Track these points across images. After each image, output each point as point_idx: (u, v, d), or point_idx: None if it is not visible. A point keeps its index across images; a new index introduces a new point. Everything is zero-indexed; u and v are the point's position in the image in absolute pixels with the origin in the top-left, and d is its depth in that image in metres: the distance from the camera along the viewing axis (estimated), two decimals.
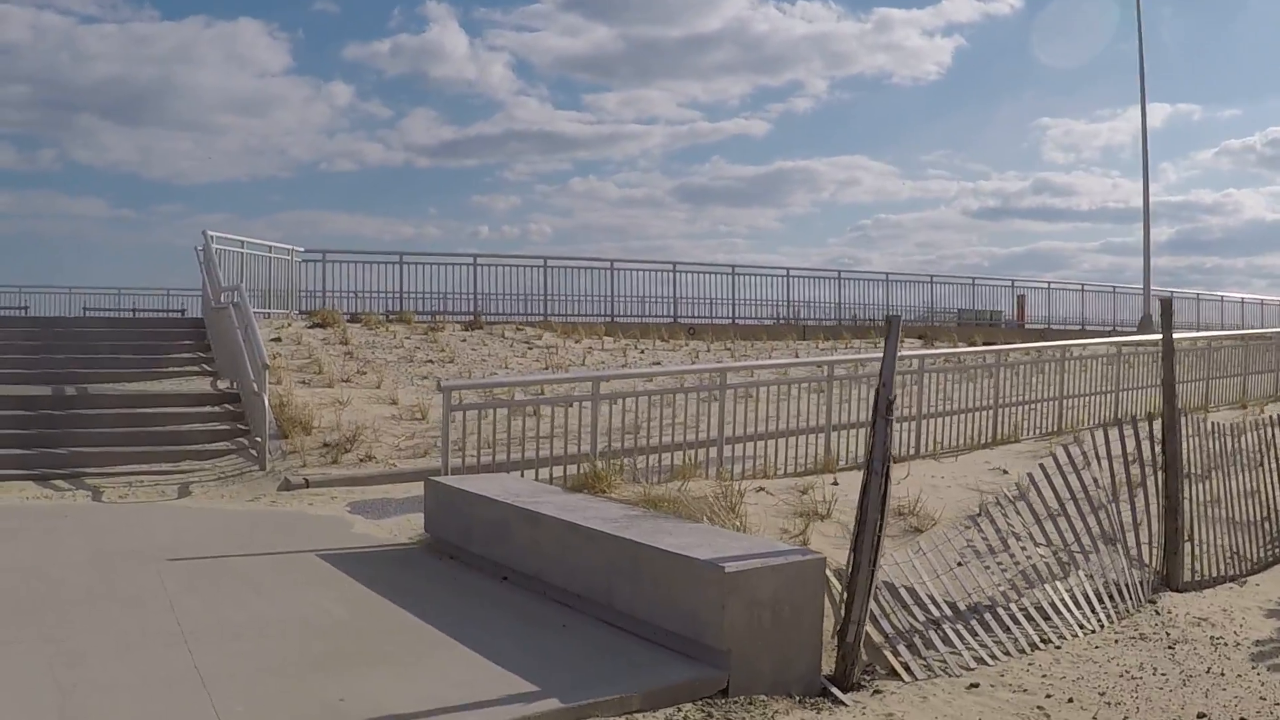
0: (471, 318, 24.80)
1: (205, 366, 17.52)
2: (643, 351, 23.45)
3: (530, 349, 21.92)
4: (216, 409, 15.33)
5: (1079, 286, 37.88)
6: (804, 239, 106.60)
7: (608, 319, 27.32)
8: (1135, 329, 37.13)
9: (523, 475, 11.44)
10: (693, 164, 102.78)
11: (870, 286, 32.60)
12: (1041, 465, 10.15)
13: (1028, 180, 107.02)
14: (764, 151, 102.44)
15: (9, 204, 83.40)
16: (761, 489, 11.51)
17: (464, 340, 21.83)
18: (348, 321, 21.89)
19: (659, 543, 7.52)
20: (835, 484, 12.10)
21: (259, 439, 13.75)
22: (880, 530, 7.30)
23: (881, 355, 7.48)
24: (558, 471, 11.80)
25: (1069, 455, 10.08)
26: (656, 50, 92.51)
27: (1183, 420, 10.63)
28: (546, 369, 20.32)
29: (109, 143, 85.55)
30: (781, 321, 30.69)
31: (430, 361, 19.59)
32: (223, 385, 16.37)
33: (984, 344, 29.62)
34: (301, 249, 23.49)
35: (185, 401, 15.41)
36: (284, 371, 16.87)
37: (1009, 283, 36.42)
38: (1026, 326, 34.96)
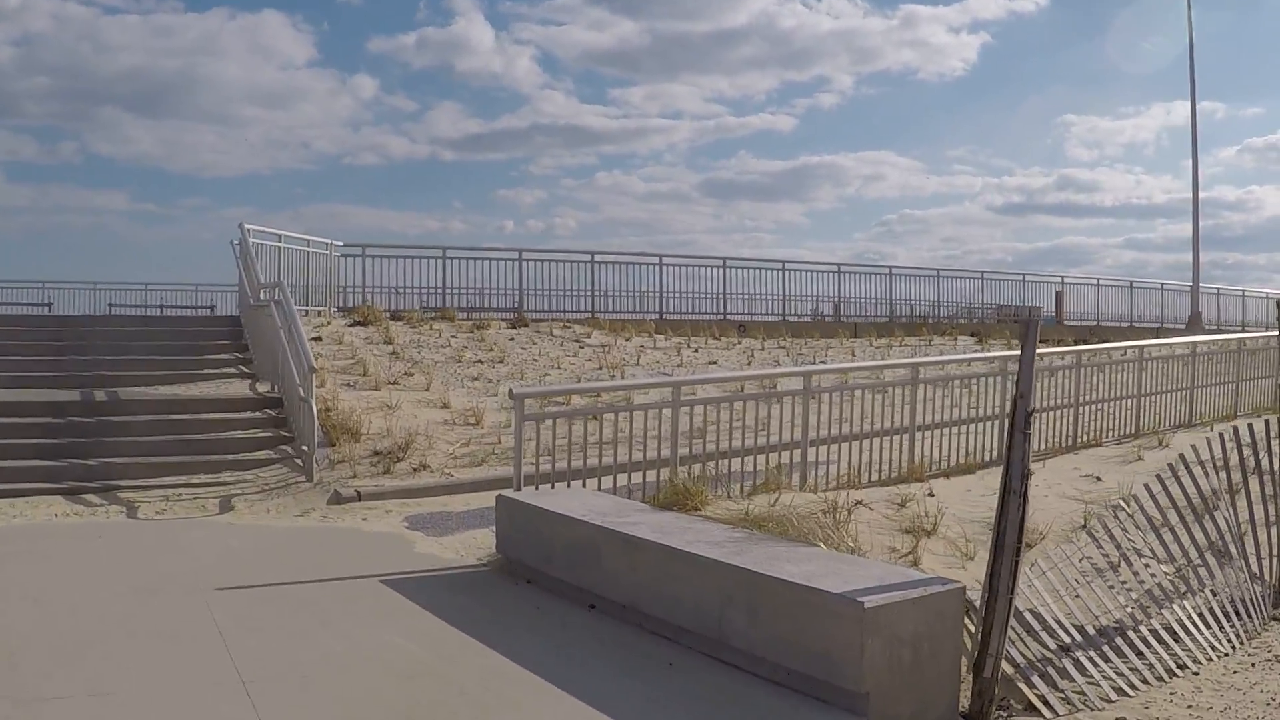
0: (515, 314, 23.88)
1: (243, 368, 16.63)
2: (696, 350, 22.50)
3: (581, 347, 20.99)
4: (257, 414, 14.42)
5: (1127, 283, 36.63)
6: (829, 234, 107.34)
7: (656, 316, 26.44)
8: (1184, 327, 36.17)
9: (599, 487, 10.44)
10: (719, 159, 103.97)
11: (916, 282, 31.58)
12: (1159, 476, 9.16)
13: (1051, 176, 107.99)
14: (790, 147, 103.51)
15: (30, 197, 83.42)
16: (859, 502, 10.52)
17: (511, 339, 20.92)
18: (389, 319, 20.97)
19: (779, 572, 6.72)
20: (931, 495, 11.15)
21: (305, 448, 12.85)
22: (1019, 554, 6.44)
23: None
24: (635, 478, 10.79)
25: (1184, 462, 9.12)
26: (682, 44, 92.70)
27: None
28: (600, 369, 19.38)
29: (131, 135, 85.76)
30: (831, 319, 29.66)
31: (479, 361, 18.67)
32: (263, 389, 15.48)
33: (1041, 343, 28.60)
34: (340, 243, 22.59)
35: (224, 407, 14.50)
36: (327, 373, 15.97)
37: (1059, 279, 35.10)
38: (1065, 323, 33.72)
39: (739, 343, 24.02)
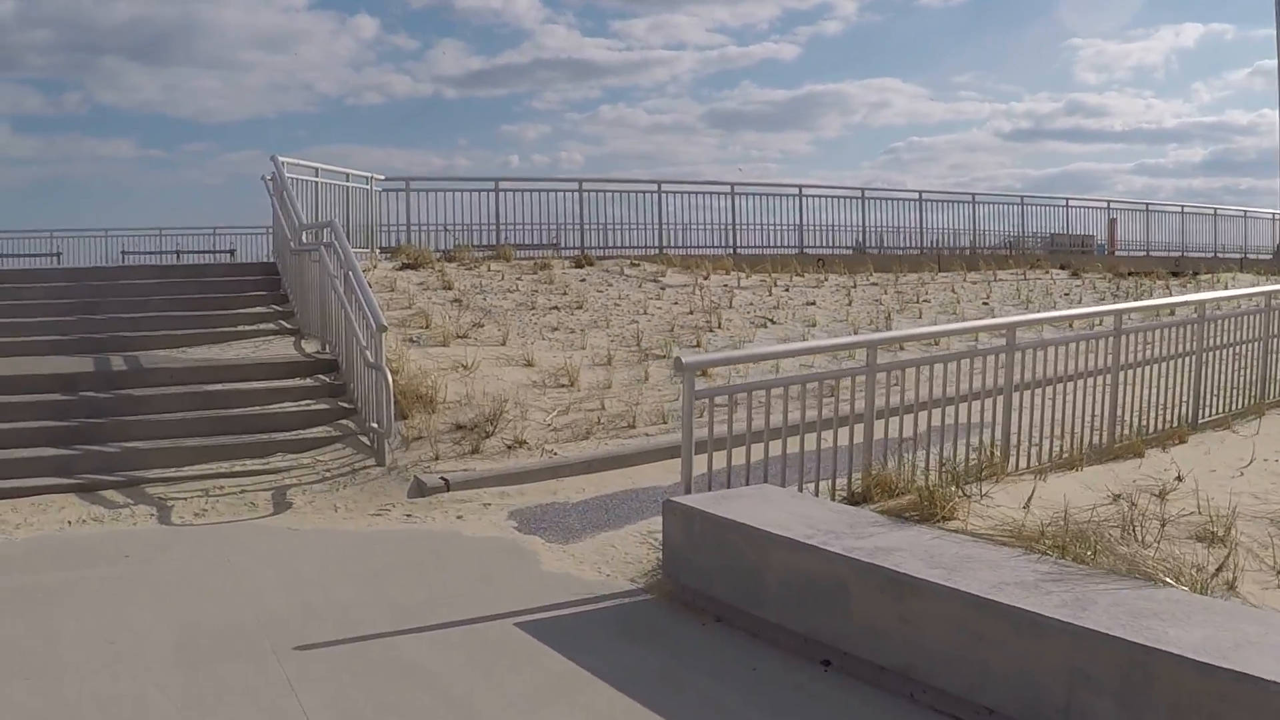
0: (579, 252, 21.34)
1: (284, 323, 14.18)
2: (786, 289, 19.89)
3: (662, 289, 18.48)
4: (309, 381, 11.98)
5: (1177, 209, 33.63)
6: (837, 162, 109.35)
7: (729, 250, 23.85)
8: (1271, 256, 33.51)
9: (784, 482, 7.98)
10: (723, 89, 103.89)
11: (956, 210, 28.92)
12: None
13: (1060, 102, 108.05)
14: (794, 75, 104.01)
15: (36, 149, 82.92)
16: (1119, 496, 8.03)
17: (583, 280, 18.38)
18: (441, 261, 18.40)
19: (1165, 641, 4.51)
20: (1179, 478, 8.68)
21: (375, 425, 10.39)
22: None
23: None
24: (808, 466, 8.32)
25: None
26: None
27: None
28: (691, 313, 16.84)
29: (134, 83, 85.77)
30: (915, 251, 27.04)
31: (555, 308, 16.17)
32: (310, 348, 13.03)
33: (1113, 274, 26.31)
34: (382, 176, 20.00)
35: (267, 373, 12.04)
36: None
37: (1104, 204, 32.13)
38: (1118, 254, 30.87)
39: (825, 279, 21.40)
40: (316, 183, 17.11)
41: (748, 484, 7.87)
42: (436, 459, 10.43)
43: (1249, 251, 34.61)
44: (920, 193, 27.68)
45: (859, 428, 8.51)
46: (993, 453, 9.03)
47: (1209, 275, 28.33)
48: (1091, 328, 11.04)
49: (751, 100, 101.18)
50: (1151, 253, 31.65)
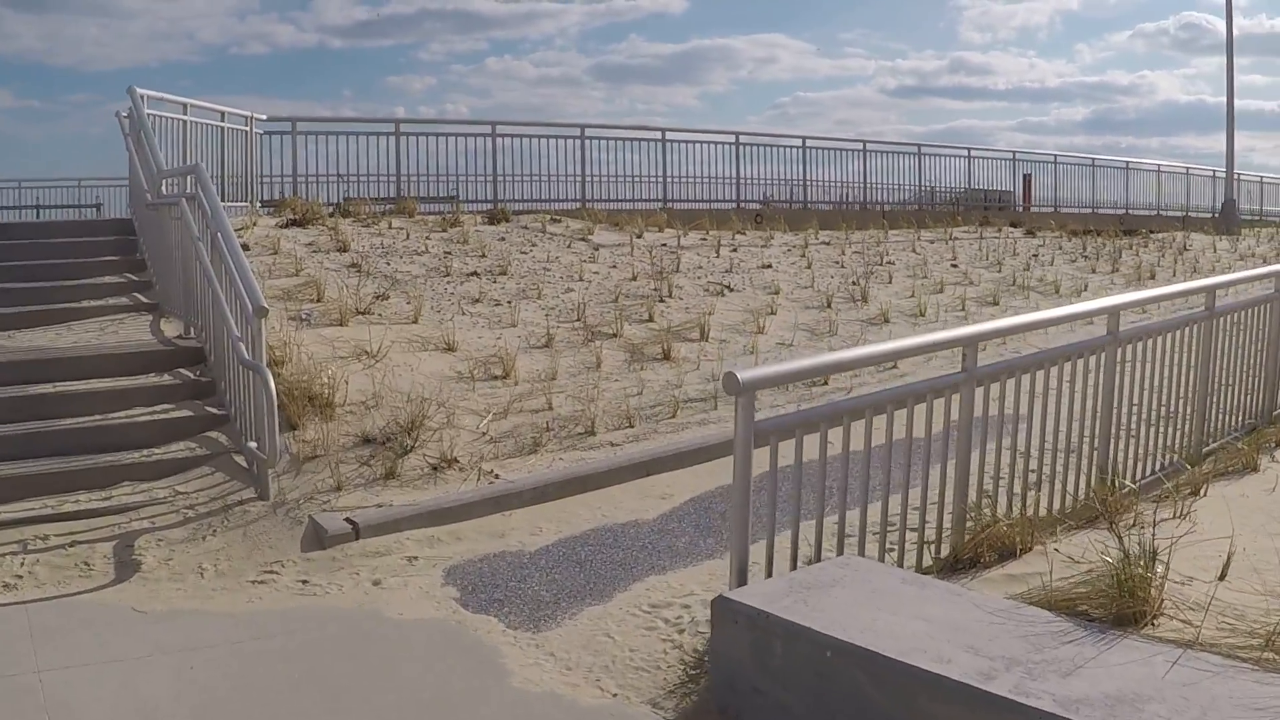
0: (492, 206, 18.65)
1: (139, 297, 11.39)
2: (734, 249, 17.43)
3: (594, 250, 15.86)
4: (166, 378, 9.24)
5: (1089, 162, 31.64)
6: (723, 117, 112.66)
7: (660, 204, 21.28)
8: (1214, 214, 31.92)
9: (861, 546, 5.52)
10: (610, 42, 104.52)
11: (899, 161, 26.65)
12: None
13: (945, 59, 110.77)
14: (682, 29, 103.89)
15: None
16: None
17: (501, 239, 15.69)
18: (334, 216, 15.61)
19: None
20: None
21: (254, 444, 7.71)
22: None
23: None
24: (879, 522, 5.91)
25: None
26: None
27: None
28: (633, 279, 14.29)
29: (12, 30, 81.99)
30: (858, 206, 24.74)
31: (474, 274, 13.52)
32: (170, 331, 10.28)
33: (1073, 232, 24.41)
34: (264, 117, 17.08)
35: (113, 367, 9.25)
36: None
37: (1009, 155, 29.98)
38: (1033, 209, 28.85)
39: (771, 238, 18.97)
40: (184, 121, 14.22)
41: (817, 555, 5.38)
42: (339, 488, 7.82)
43: (1190, 210, 33.07)
44: (864, 143, 25.37)
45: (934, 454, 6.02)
46: (1109, 484, 6.68)
47: (1163, 234, 26.54)
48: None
49: (639, 54, 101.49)
50: (1098, 210, 29.72)
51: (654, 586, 6.57)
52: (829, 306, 14.45)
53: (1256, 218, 34.46)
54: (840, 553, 5.53)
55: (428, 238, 15.04)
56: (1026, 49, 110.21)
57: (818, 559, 5.45)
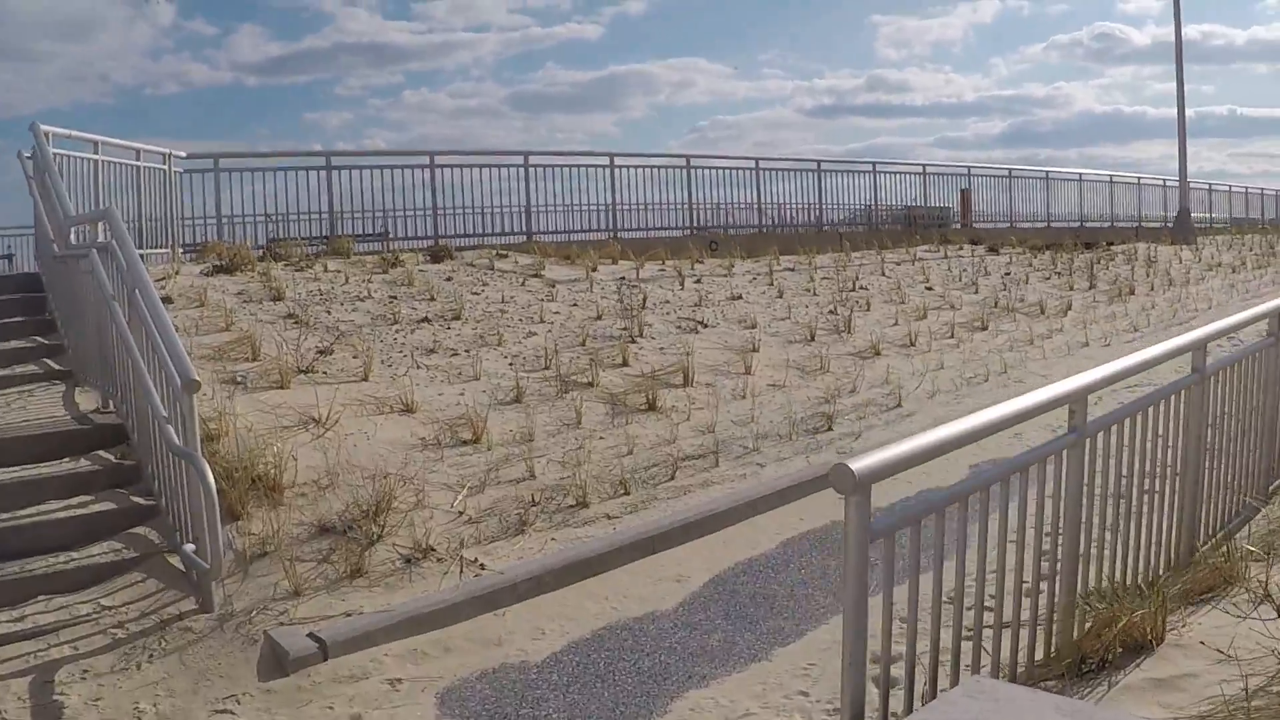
0: (433, 243, 17.39)
1: (50, 363, 10.02)
2: (698, 280, 16.25)
3: (552, 287, 14.59)
4: (84, 464, 7.89)
5: (1042, 174, 30.99)
6: (642, 143, 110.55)
7: (609, 234, 20.11)
8: (1172, 225, 31.42)
9: (955, 656, 4.34)
10: (526, 71, 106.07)
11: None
12: None
13: (862, 78, 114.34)
14: (598, 56, 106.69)
15: None
16: None
17: (448, 279, 14.40)
18: (264, 260, 14.26)
19: None
20: None
21: (192, 546, 6.42)
22: None
23: None
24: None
25: None
26: None
27: None
28: (597, 319, 13.09)
29: None
30: (812, 227, 23.77)
31: (425, 321, 12.23)
32: (86, 405, 8.92)
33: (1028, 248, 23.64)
34: (183, 154, 15.70)
35: (20, 452, 7.87)
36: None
37: (964, 170, 29.19)
38: (974, 225, 28.06)
39: (732, 266, 17.83)
40: (96, 161, 12.82)
41: (933, 682, 4.19)
42: (296, 593, 6.54)
43: (1142, 221, 32.58)
44: (819, 162, 24.35)
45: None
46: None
47: (1123, 245, 25.85)
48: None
49: (556, 82, 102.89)
50: (1016, 223, 28.93)
51: (699, 706, 5.42)
52: (813, 339, 13.35)
53: (1207, 225, 34.13)
54: (955, 669, 4.32)
55: (368, 280, 13.72)
56: (942, 64, 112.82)
57: (933, 685, 4.23)
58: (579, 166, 20.68)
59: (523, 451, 8.82)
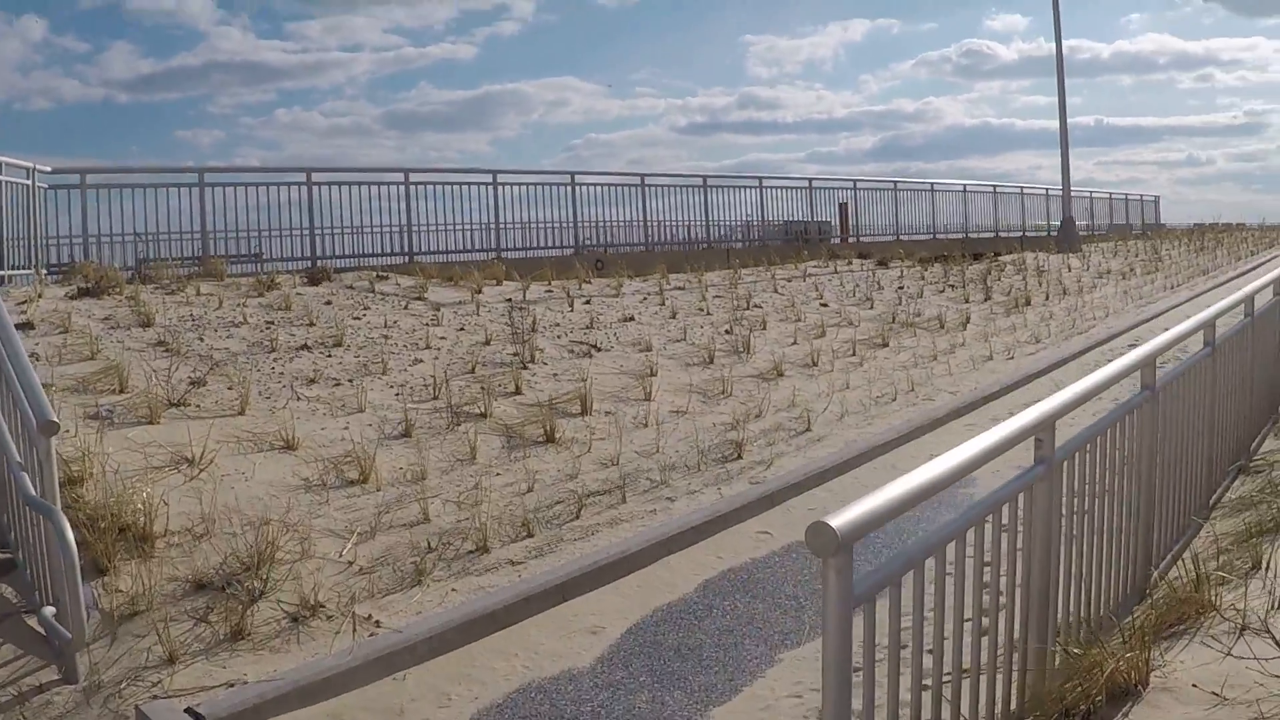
0: (310, 264, 16.68)
1: None
2: (587, 301, 15.76)
3: (436, 311, 13.99)
4: None
5: (927, 186, 31.26)
6: (517, 162, 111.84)
7: (493, 253, 19.54)
8: (1050, 233, 31.88)
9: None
10: (400, 90, 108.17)
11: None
12: None
13: (734, 95, 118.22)
14: (472, 75, 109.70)
15: None
16: None
17: (327, 303, 13.71)
18: (134, 283, 13.44)
19: None
20: None
21: (53, 608, 5.73)
22: None
23: None
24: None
25: None
26: None
27: None
28: (485, 344, 12.51)
29: None
30: (703, 245, 23.45)
31: (304, 348, 11.56)
32: None
33: (918, 262, 23.67)
34: (48, 169, 14.79)
35: None
36: (54, 393, 8.62)
37: (850, 184, 29.12)
38: (849, 239, 28.12)
39: (620, 285, 17.37)
40: None
41: None
42: (171, 660, 5.90)
43: (1026, 230, 32.93)
44: (704, 178, 24.03)
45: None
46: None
47: (1012, 256, 25.99)
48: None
49: (429, 101, 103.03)
50: (901, 236, 28.95)
51: None
52: (712, 361, 12.92)
53: (1089, 233, 34.62)
54: None
55: (243, 304, 12.99)
56: (813, 82, 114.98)
57: None
58: (461, 184, 20.04)
59: (415, 491, 8.21)
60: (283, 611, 6.41)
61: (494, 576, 7.13)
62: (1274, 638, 4.47)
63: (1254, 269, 28.99)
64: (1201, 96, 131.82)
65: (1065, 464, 4.72)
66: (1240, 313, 8.03)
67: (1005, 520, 4.25)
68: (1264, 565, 5.63)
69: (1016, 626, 4.39)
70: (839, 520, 3.08)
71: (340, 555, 7.16)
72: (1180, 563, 6.03)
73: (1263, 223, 51.90)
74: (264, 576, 6.64)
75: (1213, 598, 5.08)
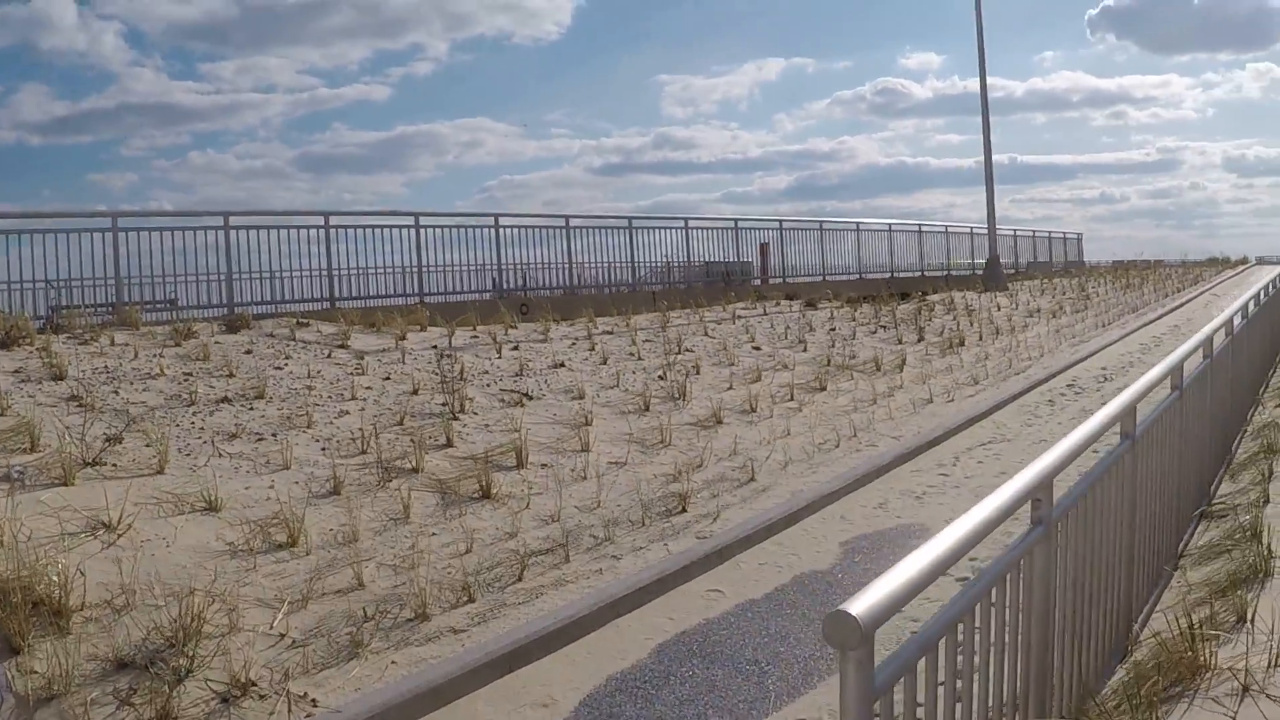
0: (228, 311, 16.18)
1: None
2: (515, 347, 15.41)
3: (361, 359, 13.55)
4: None
5: (853, 226, 31.25)
6: (432, 204, 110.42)
7: (416, 297, 19.12)
8: (974, 271, 32.09)
9: None
10: (314, 132, 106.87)
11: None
12: None
13: (649, 135, 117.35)
14: (386, 117, 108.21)
15: None
16: None
17: (248, 352, 13.23)
18: (45, 333, 12.90)
19: None
20: None
21: None
22: None
23: None
24: None
25: None
26: (273, 15, 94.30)
27: None
28: (412, 394, 12.11)
29: None
30: (627, 288, 23.20)
31: (224, 400, 11.10)
32: None
33: (846, 302, 23.64)
34: None
35: None
36: None
37: (776, 224, 29.08)
38: (769, 280, 28.03)
39: (547, 330, 17.04)
40: None
41: None
42: None
43: (951, 269, 33.09)
44: (630, 219, 23.81)
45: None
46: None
47: (940, 295, 26.01)
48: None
49: (343, 143, 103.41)
50: (864, 275, 28.98)
51: None
52: (648, 409, 12.61)
53: (1013, 271, 34.87)
54: None
55: (160, 355, 12.49)
56: (729, 121, 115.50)
57: None
58: (383, 227, 19.63)
59: (347, 555, 7.80)
60: (212, 691, 5.97)
61: (436, 646, 6.73)
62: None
63: (1183, 305, 29.36)
64: (1115, 134, 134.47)
65: (1059, 523, 4.47)
66: (1200, 355, 7.89)
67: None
68: (1249, 618, 5.44)
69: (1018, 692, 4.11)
70: (860, 608, 2.76)
71: (271, 627, 6.72)
72: (1161, 616, 5.82)
73: (1185, 259, 52.82)
74: (190, 653, 6.19)
75: (1207, 656, 4.85)
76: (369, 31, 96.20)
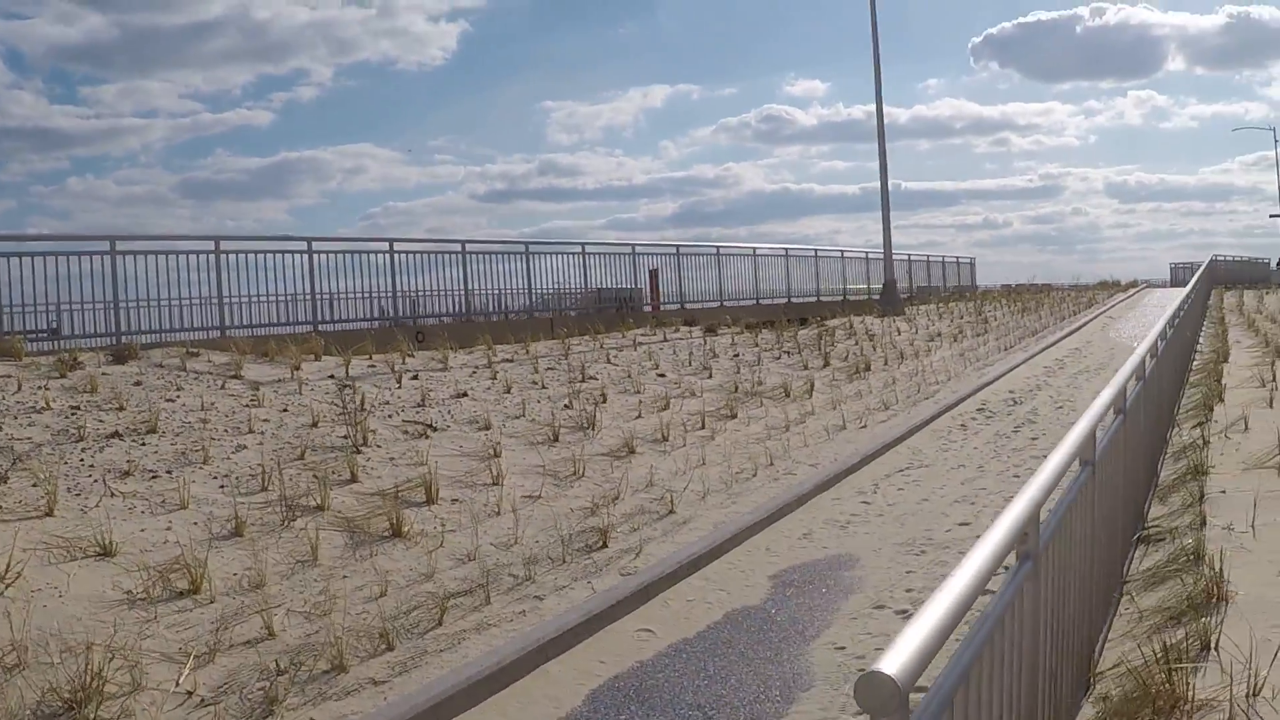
0: (114, 341, 15.51)
1: None
2: (415, 376, 14.95)
3: (256, 390, 13.01)
4: None
5: (749, 251, 31.29)
6: (315, 231, 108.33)
7: (311, 325, 18.53)
8: (871, 296, 32.32)
9: None
10: (196, 158, 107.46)
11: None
12: None
13: (533, 162, 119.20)
14: (269, 142, 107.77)
15: None
16: None
17: (137, 384, 12.62)
18: None
19: None
20: None
21: None
22: None
23: None
24: None
25: None
26: (155, 38, 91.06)
27: None
28: (315, 425, 11.62)
29: None
30: (522, 314, 22.85)
31: (115, 435, 10.53)
32: None
33: (744, 328, 23.55)
34: None
35: None
36: None
37: (673, 249, 29.01)
38: (662, 306, 27.94)
39: (446, 359, 16.60)
40: None
41: None
42: None
43: (847, 294, 33.25)
44: (527, 244, 23.52)
45: None
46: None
47: (838, 320, 26.02)
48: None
49: (226, 169, 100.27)
50: (761, 301, 28.87)
51: None
52: (558, 439, 12.26)
53: (909, 295, 35.14)
54: None
55: (44, 387, 11.85)
56: (614, 148, 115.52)
57: None
58: (275, 252, 19.00)
59: (255, 601, 7.32)
60: None
61: (356, 700, 6.29)
62: None
63: (1081, 328, 29.69)
64: (998, 160, 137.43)
65: (1045, 556, 4.25)
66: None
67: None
68: (1213, 645, 5.31)
69: None
70: (895, 667, 2.44)
71: (178, 684, 6.25)
72: (1117, 645, 5.67)
73: (1076, 281, 53.87)
74: (92, 716, 5.71)
75: (1184, 688, 4.68)
76: (252, 56, 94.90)
